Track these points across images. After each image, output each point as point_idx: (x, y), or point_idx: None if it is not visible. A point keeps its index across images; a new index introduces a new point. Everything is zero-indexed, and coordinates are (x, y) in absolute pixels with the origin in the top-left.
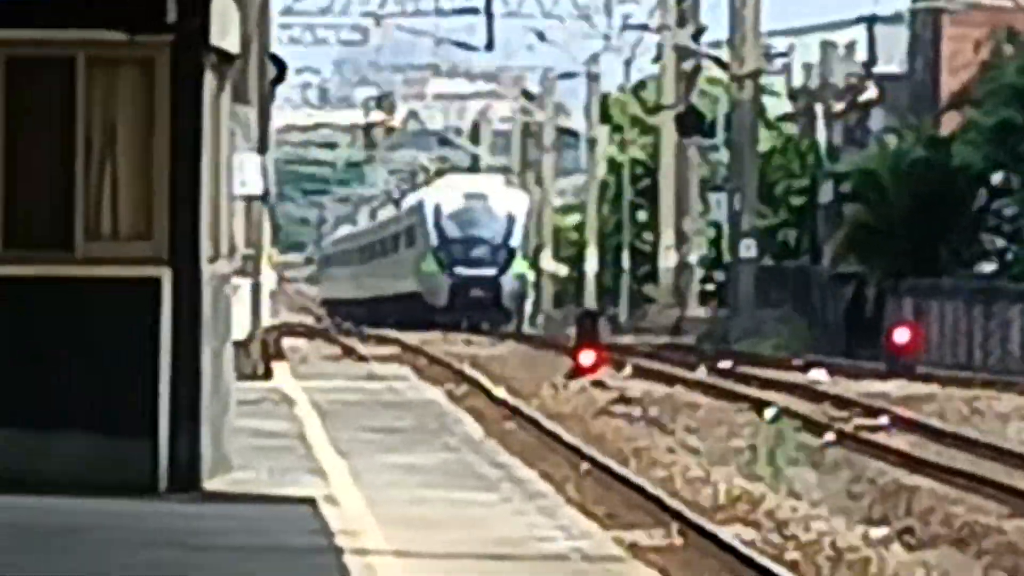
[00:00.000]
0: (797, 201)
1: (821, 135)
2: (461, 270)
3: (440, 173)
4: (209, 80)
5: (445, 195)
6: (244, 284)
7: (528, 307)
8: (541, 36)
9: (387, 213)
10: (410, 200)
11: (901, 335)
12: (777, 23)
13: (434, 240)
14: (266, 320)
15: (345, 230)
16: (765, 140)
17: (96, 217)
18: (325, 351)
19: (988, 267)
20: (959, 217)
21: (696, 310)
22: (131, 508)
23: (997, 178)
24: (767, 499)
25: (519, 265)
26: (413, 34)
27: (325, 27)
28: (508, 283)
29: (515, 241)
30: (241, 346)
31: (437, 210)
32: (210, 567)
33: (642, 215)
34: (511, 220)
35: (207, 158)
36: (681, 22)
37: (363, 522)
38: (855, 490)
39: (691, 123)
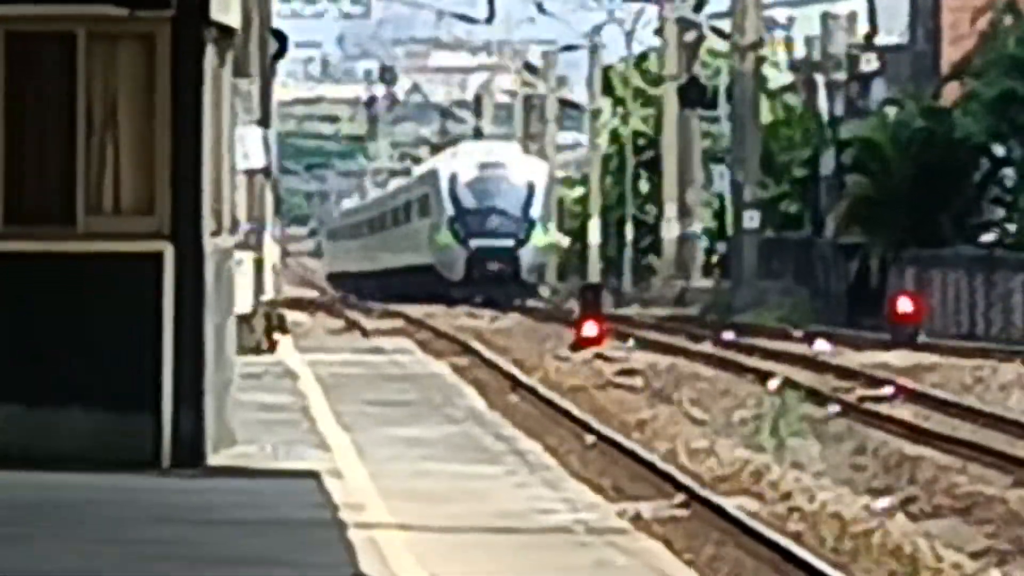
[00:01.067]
0: (799, 172)
1: (823, 106)
2: (478, 242)
3: (439, 147)
4: (210, 55)
5: (461, 163)
6: (247, 258)
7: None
8: (542, 8)
9: (398, 182)
10: (424, 168)
11: (903, 305)
12: None
13: (449, 210)
14: (269, 294)
15: (353, 201)
16: (767, 111)
17: (98, 192)
18: (329, 325)
19: (989, 237)
20: (960, 188)
21: (700, 281)
22: (135, 483)
23: (998, 149)
24: (771, 470)
25: (539, 237)
26: (414, 7)
27: (327, 0)
28: (528, 256)
29: (535, 211)
30: (244, 320)
31: (453, 179)
32: (214, 542)
33: (645, 187)
34: (531, 189)
35: (208, 132)
36: None
37: (366, 495)
38: (858, 461)
39: (693, 95)
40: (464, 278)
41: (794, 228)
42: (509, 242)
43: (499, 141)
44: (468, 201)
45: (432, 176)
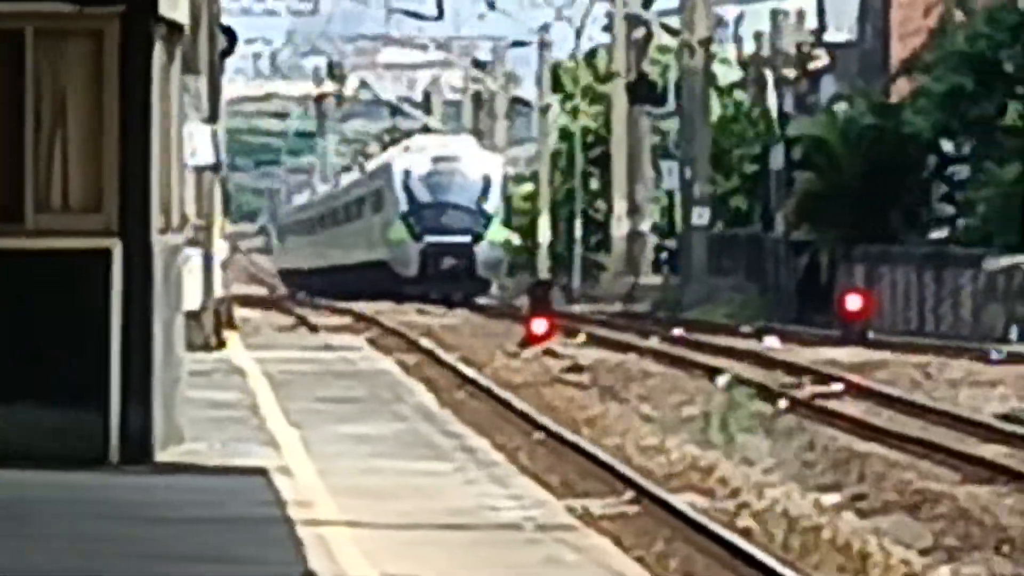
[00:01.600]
0: (749, 169)
1: (772, 103)
2: (432, 237)
3: (389, 144)
4: (159, 51)
5: (415, 157)
6: (195, 255)
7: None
8: (491, 5)
9: (351, 177)
10: (377, 162)
11: (853, 302)
12: None
13: (403, 205)
14: (218, 291)
15: (304, 197)
16: (716, 108)
17: (46, 189)
18: (278, 321)
19: (939, 234)
20: (910, 184)
21: (649, 278)
22: (83, 480)
23: (948, 145)
24: (720, 466)
25: (495, 232)
26: (363, 4)
27: None
28: (484, 251)
29: (491, 206)
30: (193, 317)
31: (406, 173)
32: (163, 538)
33: (594, 184)
34: (486, 183)
35: (157, 129)
36: None
37: (315, 492)
38: (808, 457)
39: (642, 91)
40: (418, 275)
41: (744, 224)
42: (464, 238)
43: (453, 135)
44: (422, 195)
45: (385, 170)
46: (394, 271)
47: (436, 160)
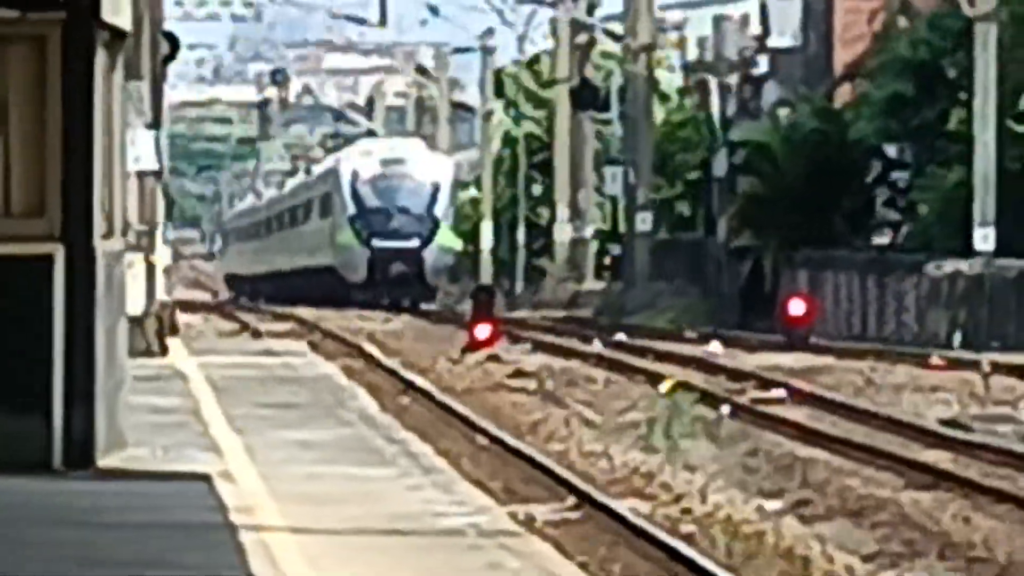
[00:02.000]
0: (692, 174)
1: (715, 108)
2: (380, 242)
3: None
4: (101, 57)
5: (362, 160)
6: (138, 261)
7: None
8: (434, 11)
9: (297, 180)
10: (324, 166)
11: (796, 307)
12: None
13: (351, 209)
14: (161, 296)
15: (249, 201)
16: (659, 113)
17: None
18: (221, 327)
19: (882, 239)
20: (853, 189)
21: (592, 283)
22: (25, 486)
23: (891, 150)
24: (663, 472)
25: (445, 237)
26: (306, 10)
27: (218, 3)
28: (432, 256)
29: (439, 210)
30: (136, 322)
31: (354, 176)
32: (106, 544)
33: (537, 189)
34: (435, 187)
35: (100, 135)
36: None
37: (258, 498)
38: (750, 463)
39: (585, 97)
40: (367, 280)
41: (687, 230)
42: (413, 242)
43: (401, 138)
44: (370, 200)
45: (333, 174)
46: (342, 276)
47: (384, 163)
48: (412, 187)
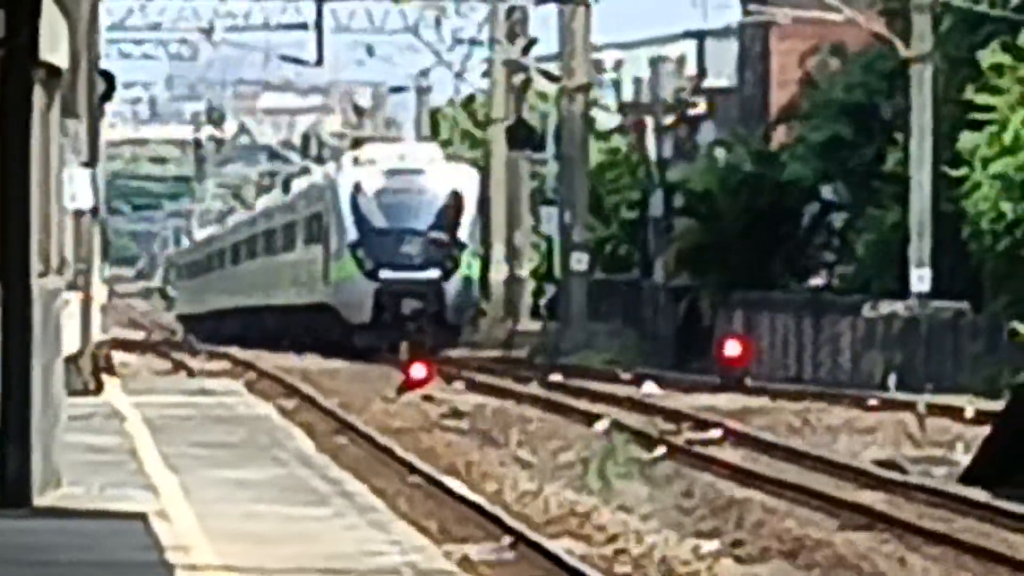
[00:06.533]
0: (628, 214)
1: (651, 148)
2: (390, 273)
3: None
4: (38, 95)
5: (365, 171)
6: (74, 299)
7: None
8: (370, 51)
9: (272, 200)
10: (314, 179)
11: (732, 348)
12: (606, 37)
13: (352, 233)
14: (96, 335)
15: (208, 231)
16: (595, 153)
17: None
18: (156, 366)
19: (818, 280)
20: (790, 231)
21: (528, 323)
22: None
23: (828, 192)
24: (598, 512)
25: (469, 266)
26: (243, 49)
27: (155, 42)
28: (454, 290)
29: (463, 232)
30: (71, 361)
31: (356, 190)
32: None
33: None
34: (457, 204)
35: (36, 173)
36: (511, 36)
37: (194, 537)
38: (686, 503)
39: (521, 136)
40: (372, 320)
41: (623, 270)
42: (431, 273)
43: (412, 142)
44: (377, 220)
45: (329, 189)
46: (340, 316)
47: (394, 174)
48: (429, 203)
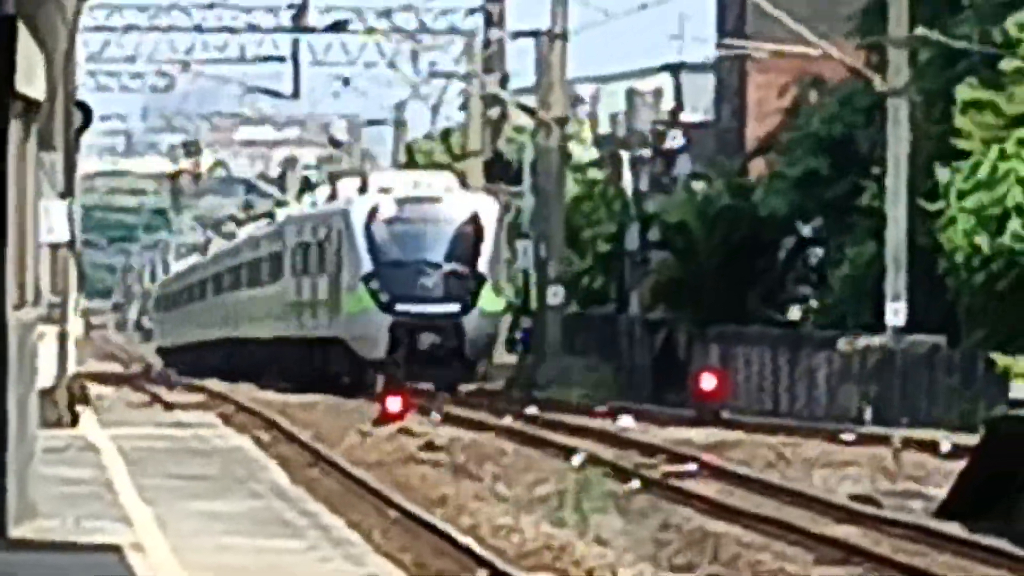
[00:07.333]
0: (604, 248)
1: (628, 182)
2: (406, 307)
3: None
4: (14, 127)
5: (380, 198)
6: (50, 331)
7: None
8: (346, 82)
9: (266, 226)
10: (320, 206)
11: (707, 382)
12: (583, 70)
13: (366, 264)
14: (72, 367)
15: (191, 260)
16: (571, 187)
17: None
18: (132, 398)
19: (795, 314)
20: (766, 264)
21: (504, 357)
22: None
23: (804, 226)
24: (574, 546)
25: (489, 299)
26: (219, 81)
27: (131, 75)
28: (474, 324)
29: (483, 264)
30: (47, 394)
31: (371, 218)
32: None
33: None
34: (477, 233)
35: (12, 205)
36: (487, 69)
37: (169, 569)
38: (661, 537)
39: (498, 170)
40: (387, 356)
41: (599, 303)
42: (450, 307)
43: (429, 171)
44: (393, 251)
45: (341, 216)
46: (352, 351)
47: (410, 203)
48: (446, 233)
